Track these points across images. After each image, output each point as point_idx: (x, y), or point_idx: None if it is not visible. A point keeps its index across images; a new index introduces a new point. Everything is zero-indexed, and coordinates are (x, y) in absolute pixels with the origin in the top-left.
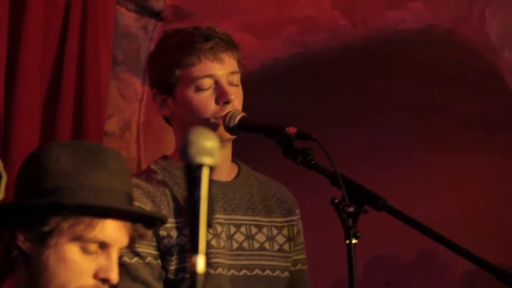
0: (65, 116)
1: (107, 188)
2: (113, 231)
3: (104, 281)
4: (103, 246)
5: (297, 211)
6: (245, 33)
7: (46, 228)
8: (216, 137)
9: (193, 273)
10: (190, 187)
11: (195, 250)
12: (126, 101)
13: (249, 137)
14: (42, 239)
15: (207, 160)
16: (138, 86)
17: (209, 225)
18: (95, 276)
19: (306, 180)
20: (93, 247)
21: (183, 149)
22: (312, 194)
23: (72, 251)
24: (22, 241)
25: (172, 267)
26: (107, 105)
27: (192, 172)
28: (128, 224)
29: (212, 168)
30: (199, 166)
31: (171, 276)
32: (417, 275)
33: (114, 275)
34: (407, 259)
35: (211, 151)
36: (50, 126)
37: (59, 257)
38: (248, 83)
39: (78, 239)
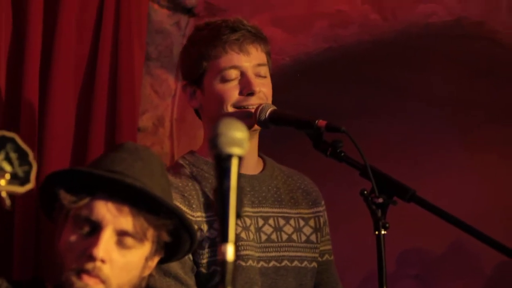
0: (99, 112)
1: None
2: (104, 211)
3: (89, 257)
4: (95, 225)
5: (322, 202)
6: (276, 28)
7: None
8: (245, 128)
9: (223, 261)
10: (220, 177)
11: (224, 239)
12: (160, 97)
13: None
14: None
15: (236, 151)
16: (171, 82)
17: (239, 215)
18: (83, 253)
19: (336, 175)
20: (86, 227)
21: (213, 140)
22: (342, 188)
23: (69, 231)
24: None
25: (204, 260)
26: (141, 101)
27: (222, 162)
28: (125, 205)
29: (241, 159)
30: (229, 157)
31: (202, 269)
32: (448, 268)
33: (96, 251)
34: (438, 252)
35: (241, 141)
36: (84, 122)
37: (63, 239)
38: (279, 77)
39: (74, 219)
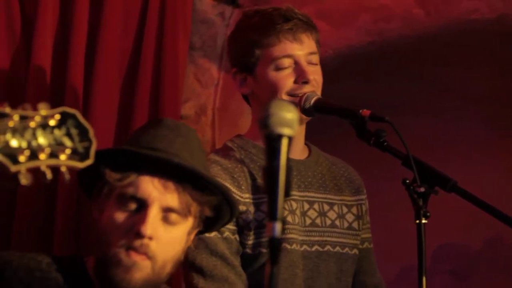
0: (142, 100)
1: (159, 148)
2: (151, 188)
3: (137, 234)
4: (141, 203)
5: (365, 191)
6: (320, 20)
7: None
8: (296, 109)
9: (271, 238)
10: (269, 156)
11: (273, 217)
12: (202, 86)
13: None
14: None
15: (286, 131)
16: (214, 71)
17: (287, 194)
18: (130, 230)
19: (375, 169)
20: (132, 204)
21: (264, 120)
22: (380, 183)
23: (113, 209)
24: (95, 211)
25: (250, 241)
26: (184, 89)
27: (272, 142)
28: (170, 182)
29: (290, 139)
30: (279, 137)
31: (248, 250)
32: (484, 264)
33: (144, 229)
34: (474, 248)
35: (291, 122)
36: (128, 109)
37: (107, 216)
38: (322, 70)
39: (119, 196)
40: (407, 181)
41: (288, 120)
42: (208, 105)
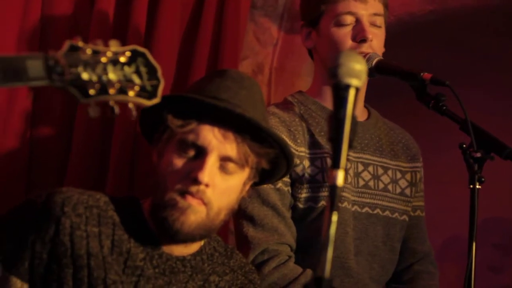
0: (201, 54)
1: (223, 98)
2: (211, 136)
3: (194, 180)
4: (200, 150)
5: (421, 159)
6: None
7: (160, 132)
8: (364, 61)
9: (333, 185)
10: (337, 105)
11: (336, 165)
12: (261, 45)
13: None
14: (157, 147)
15: (354, 82)
16: (274, 31)
17: (351, 144)
18: (187, 176)
19: (430, 139)
20: (191, 151)
21: (333, 70)
22: (433, 154)
23: (173, 154)
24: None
25: (302, 195)
26: (243, 47)
27: (340, 91)
28: (230, 132)
29: (358, 90)
30: (347, 87)
31: (299, 204)
32: None
33: (201, 176)
34: None
35: (359, 73)
36: (186, 62)
37: (166, 161)
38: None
39: (179, 142)
40: (464, 145)
41: (357, 71)
42: (266, 64)
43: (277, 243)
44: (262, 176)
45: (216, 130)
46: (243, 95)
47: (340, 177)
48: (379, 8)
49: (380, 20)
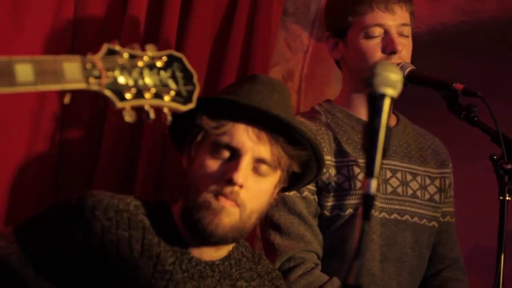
0: (232, 59)
1: (256, 100)
2: (245, 138)
3: (229, 181)
4: (234, 151)
5: (450, 165)
6: None
7: (192, 135)
8: (400, 71)
9: (365, 194)
10: (371, 115)
11: (369, 174)
12: (292, 51)
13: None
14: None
15: (389, 91)
16: (304, 38)
17: (385, 153)
18: (221, 177)
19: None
20: (225, 152)
21: (369, 79)
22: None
23: (206, 156)
24: (185, 160)
25: (328, 203)
26: (273, 53)
27: (375, 101)
28: (264, 134)
29: (393, 99)
30: (382, 96)
31: (326, 212)
32: None
33: (236, 176)
34: None
35: (395, 83)
36: (217, 67)
37: (198, 164)
38: (413, 44)
39: (212, 144)
40: (495, 157)
41: (393, 80)
42: (296, 71)
43: (303, 251)
44: (291, 182)
45: (250, 132)
46: (275, 98)
47: (373, 186)
48: (406, 18)
49: (407, 30)
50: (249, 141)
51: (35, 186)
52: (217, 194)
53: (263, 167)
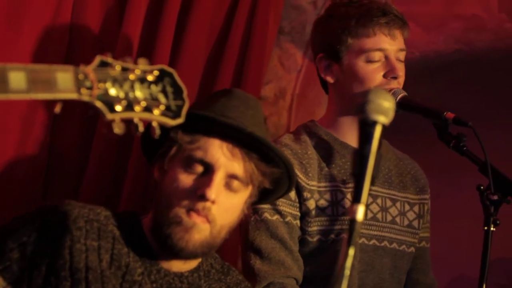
0: (225, 76)
1: (231, 116)
2: (219, 153)
3: (201, 197)
4: (208, 167)
5: (429, 191)
6: (410, 22)
7: (165, 148)
8: (393, 99)
9: (353, 220)
10: (362, 141)
11: (357, 200)
12: (285, 70)
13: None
14: (161, 163)
15: (381, 119)
16: (299, 57)
17: (373, 180)
18: (194, 193)
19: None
20: (198, 167)
21: (361, 106)
22: (444, 188)
23: (179, 170)
24: (156, 172)
25: (311, 228)
26: (267, 71)
27: (366, 127)
28: (237, 150)
29: (384, 127)
30: (373, 123)
31: (308, 237)
32: None
33: (209, 193)
34: None
35: (387, 110)
36: (210, 84)
37: (170, 177)
38: (406, 70)
39: (186, 159)
40: (481, 187)
41: (385, 108)
42: (288, 89)
43: (283, 277)
44: (261, 196)
45: (224, 148)
46: (250, 114)
47: (360, 212)
48: (403, 44)
49: (403, 55)
50: (223, 157)
51: (23, 191)
52: (189, 210)
53: (235, 183)
